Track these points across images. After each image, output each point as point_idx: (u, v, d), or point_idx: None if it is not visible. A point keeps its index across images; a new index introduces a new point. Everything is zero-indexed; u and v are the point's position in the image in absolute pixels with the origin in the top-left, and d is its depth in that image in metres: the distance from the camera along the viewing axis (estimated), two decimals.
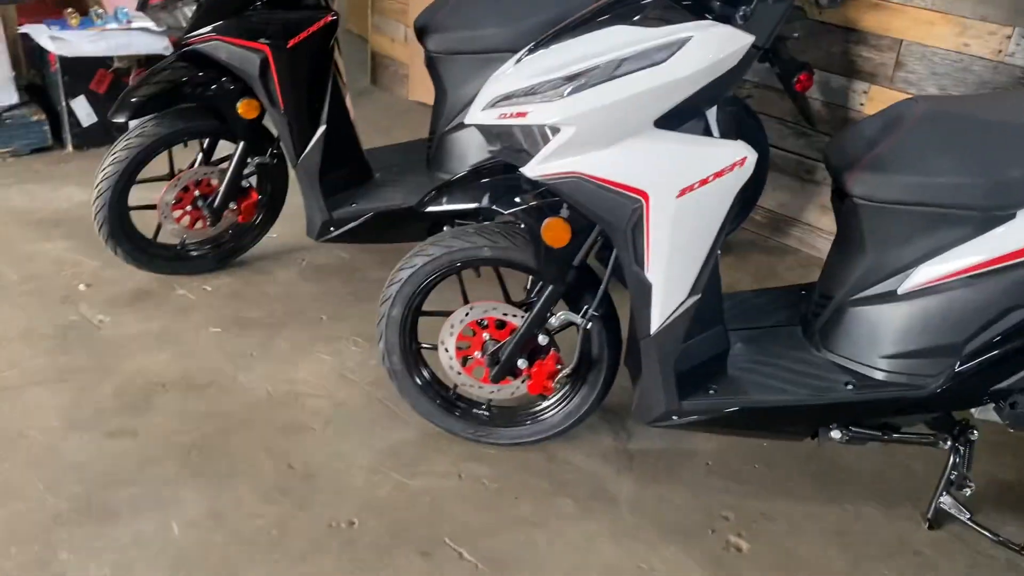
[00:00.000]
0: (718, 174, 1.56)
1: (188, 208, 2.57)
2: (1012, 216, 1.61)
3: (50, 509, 1.85)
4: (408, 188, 2.52)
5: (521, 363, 1.93)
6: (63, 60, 3.34)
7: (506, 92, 1.62)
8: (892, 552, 1.89)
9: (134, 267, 2.63)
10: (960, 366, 1.71)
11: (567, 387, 2.02)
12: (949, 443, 1.84)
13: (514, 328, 1.92)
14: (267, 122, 2.51)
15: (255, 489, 1.95)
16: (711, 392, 1.82)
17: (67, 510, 1.85)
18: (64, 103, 3.43)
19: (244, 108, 2.38)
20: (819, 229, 3.08)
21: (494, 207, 1.78)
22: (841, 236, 1.83)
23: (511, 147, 1.67)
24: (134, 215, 2.56)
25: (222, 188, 2.53)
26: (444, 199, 1.86)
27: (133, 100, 2.33)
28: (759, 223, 3.24)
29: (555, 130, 1.55)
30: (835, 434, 1.83)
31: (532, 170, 1.62)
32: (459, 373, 2.00)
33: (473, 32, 2.36)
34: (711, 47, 1.47)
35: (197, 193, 2.55)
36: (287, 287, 2.72)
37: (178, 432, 2.10)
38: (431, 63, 2.50)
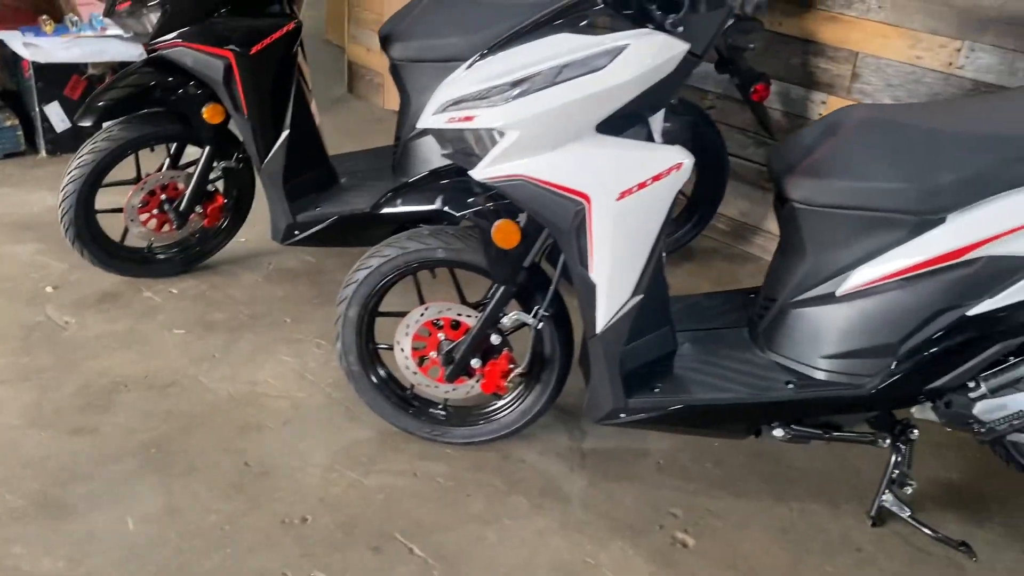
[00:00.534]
0: (656, 177, 1.61)
1: (154, 212, 2.60)
2: (943, 220, 1.67)
3: (5, 504, 1.88)
4: (372, 193, 2.55)
5: (475, 363, 1.97)
6: (37, 66, 3.37)
7: (455, 97, 1.66)
8: (834, 549, 1.94)
9: (101, 270, 2.66)
10: (896, 366, 1.76)
11: (521, 386, 2.07)
12: (889, 442, 1.89)
13: (468, 328, 1.97)
14: (233, 127, 2.55)
15: (211, 486, 1.98)
16: (656, 390, 1.87)
17: (23, 505, 1.88)
18: (38, 109, 3.46)
19: (209, 113, 2.42)
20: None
21: (446, 209, 1.82)
22: (783, 240, 1.88)
23: (462, 151, 1.71)
24: (101, 218, 2.59)
25: (188, 192, 2.57)
26: (399, 201, 1.91)
27: (100, 104, 2.37)
28: (721, 231, 3.30)
29: (500, 134, 1.60)
30: (777, 432, 1.88)
31: (479, 173, 1.66)
32: (415, 373, 2.04)
33: (435, 41, 2.41)
34: (647, 54, 1.53)
35: (163, 197, 2.59)
36: (253, 290, 2.76)
37: (138, 430, 2.13)
38: (395, 71, 2.55)
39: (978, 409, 1.79)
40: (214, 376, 2.35)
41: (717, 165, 2.85)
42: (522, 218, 1.79)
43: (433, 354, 2.02)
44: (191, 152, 2.63)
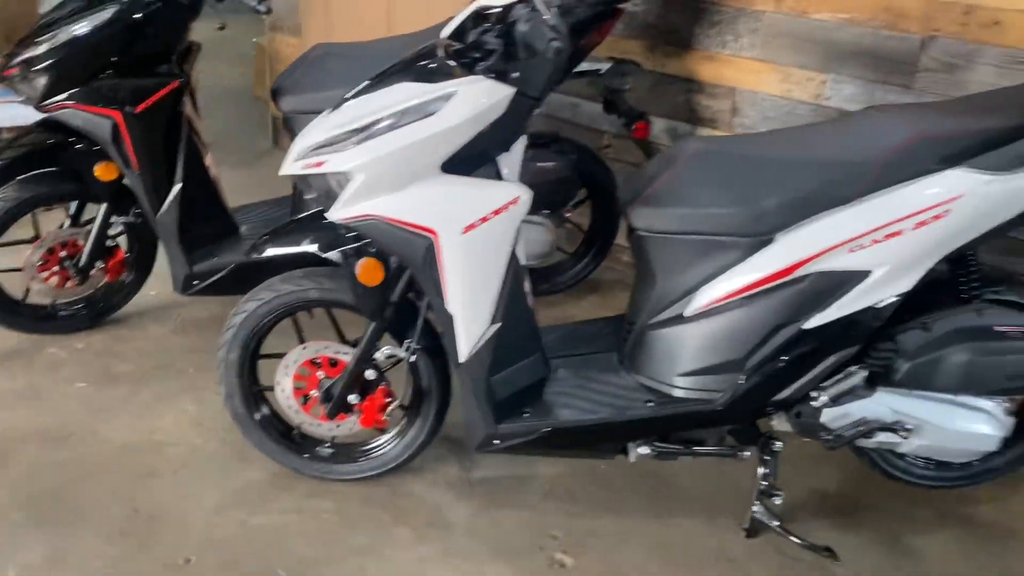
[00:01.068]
0: (497, 211, 1.72)
1: (55, 269, 2.65)
2: (772, 240, 1.79)
3: None
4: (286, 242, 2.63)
5: (353, 399, 2.04)
6: None
7: (309, 144, 1.76)
8: (709, 561, 2.02)
9: (4, 328, 2.69)
10: (743, 380, 1.86)
11: (403, 420, 2.13)
12: (752, 454, 1.98)
13: (346, 365, 2.04)
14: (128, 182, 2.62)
15: (98, 533, 2.01)
16: (526, 415, 1.95)
17: None
18: None
19: (102, 171, 2.50)
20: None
21: (313, 251, 1.90)
22: (637, 266, 1.99)
23: (324, 194, 1.81)
24: (2, 277, 2.64)
25: (87, 248, 2.63)
26: (270, 246, 1.99)
27: None
28: (626, 263, 3.41)
29: (349, 177, 1.70)
30: (642, 450, 1.96)
31: (335, 214, 1.76)
32: (298, 412, 2.10)
33: (320, 93, 2.51)
34: (474, 99, 1.64)
35: (63, 254, 2.64)
36: (159, 342, 2.80)
37: (30, 483, 2.16)
38: (287, 123, 2.65)
39: (825, 418, 1.90)
40: (113, 427, 2.38)
41: (607, 199, 2.97)
42: (384, 256, 1.87)
43: (315, 392, 2.08)
44: (95, 209, 2.70)
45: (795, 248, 1.77)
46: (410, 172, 1.69)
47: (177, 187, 2.51)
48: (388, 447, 2.15)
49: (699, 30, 3.01)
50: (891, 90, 2.64)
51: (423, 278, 1.78)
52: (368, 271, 1.86)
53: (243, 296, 2.05)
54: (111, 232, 2.68)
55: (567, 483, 2.23)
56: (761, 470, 2.01)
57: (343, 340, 2.10)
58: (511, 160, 1.86)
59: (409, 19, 3.27)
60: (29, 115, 3.41)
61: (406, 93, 1.69)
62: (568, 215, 2.94)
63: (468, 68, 1.66)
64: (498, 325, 1.83)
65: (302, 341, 2.10)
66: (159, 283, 2.90)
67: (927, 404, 1.89)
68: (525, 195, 1.74)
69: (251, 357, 2.08)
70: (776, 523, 2.00)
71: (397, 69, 1.77)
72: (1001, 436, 1.91)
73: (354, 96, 1.79)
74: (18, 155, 2.47)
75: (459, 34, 1.68)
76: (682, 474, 2.27)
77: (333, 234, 1.91)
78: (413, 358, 1.98)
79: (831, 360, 1.83)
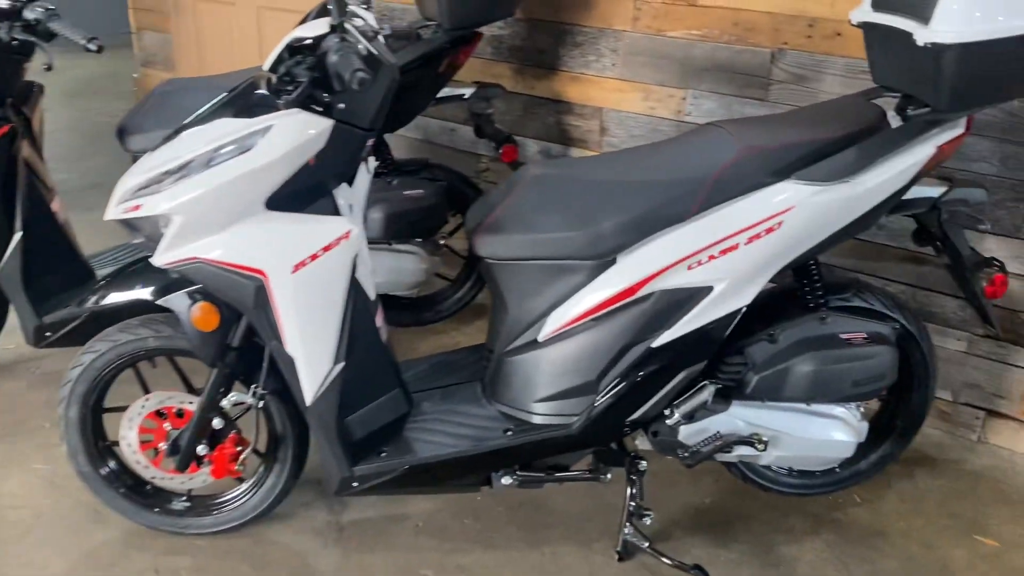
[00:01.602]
0: (326, 248, 1.66)
1: None
2: (613, 261, 1.77)
3: None
4: (125, 288, 2.52)
5: (202, 449, 1.95)
6: None
7: (130, 187, 1.68)
8: None
9: None
10: (597, 403, 1.84)
11: (261, 467, 2.05)
12: (611, 476, 1.96)
13: (192, 415, 1.94)
14: None
15: None
16: (383, 455, 1.89)
17: None
18: None
19: None
20: None
21: (146, 298, 1.81)
22: (491, 293, 1.95)
23: (148, 238, 1.72)
24: None
25: None
26: (107, 294, 1.89)
27: None
28: None
29: (167, 220, 1.62)
30: (505, 480, 1.92)
31: (158, 259, 1.67)
32: (147, 467, 2.00)
33: (164, 131, 2.42)
34: (289, 133, 1.59)
35: None
36: (13, 398, 2.65)
37: None
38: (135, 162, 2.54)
39: (682, 435, 1.89)
40: None
41: None
42: (219, 299, 1.80)
43: (163, 445, 1.98)
44: None
45: (636, 268, 1.76)
46: (232, 211, 1.62)
47: (18, 236, 2.38)
48: (247, 497, 2.06)
49: (563, 51, 3.02)
50: (747, 103, 2.69)
51: (258, 321, 1.71)
52: (202, 316, 1.78)
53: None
54: None
55: (441, 519, 2.18)
56: (629, 491, 1.99)
57: (189, 389, 2.01)
58: (353, 193, 1.81)
59: None
60: None
61: (224, 129, 1.62)
62: (444, 242, 2.90)
63: (287, 101, 1.61)
64: (342, 365, 1.77)
65: (146, 392, 2.00)
66: (15, 336, 2.75)
67: (781, 415, 1.90)
68: (356, 229, 1.69)
69: (93, 411, 1.97)
70: (646, 544, 1.98)
71: (219, 104, 1.70)
72: (856, 442, 1.93)
73: (175, 134, 1.71)
74: None
75: (276, 66, 1.63)
76: (557, 499, 2.23)
77: (166, 279, 1.83)
78: (262, 403, 1.90)
79: (681, 376, 1.83)
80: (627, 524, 2.00)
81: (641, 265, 1.76)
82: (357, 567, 2.02)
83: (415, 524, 2.16)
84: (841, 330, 1.85)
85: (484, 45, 3.19)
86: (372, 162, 1.95)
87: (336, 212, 1.73)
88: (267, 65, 1.69)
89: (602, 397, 1.83)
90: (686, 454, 1.87)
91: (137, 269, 1.91)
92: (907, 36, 1.69)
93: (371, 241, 2.61)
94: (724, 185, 1.73)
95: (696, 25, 2.72)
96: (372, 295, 1.87)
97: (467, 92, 2.78)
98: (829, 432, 1.91)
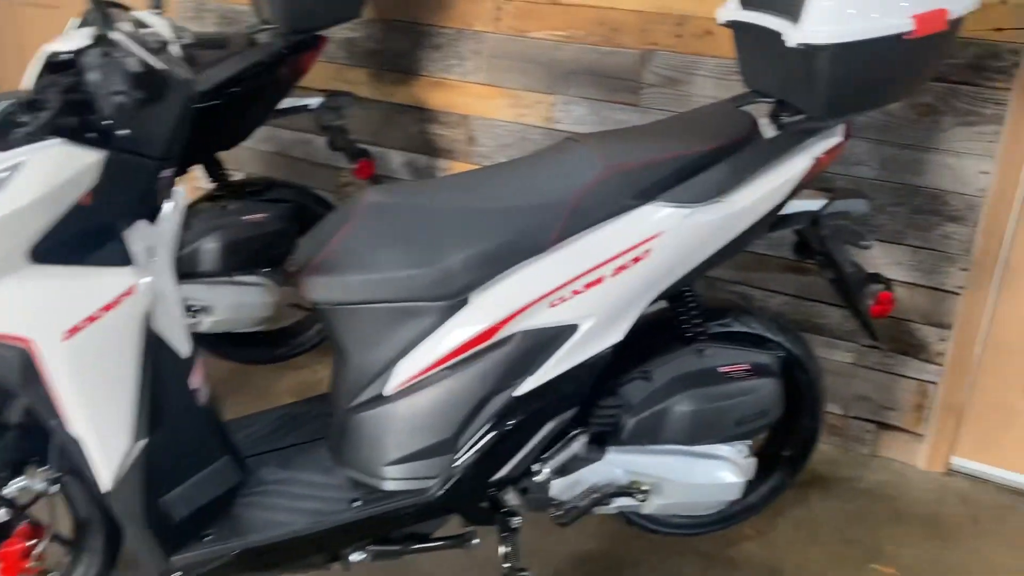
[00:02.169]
0: (107, 307, 1.36)
1: None
2: (466, 302, 1.55)
3: None
4: None
5: None
6: None
7: None
8: None
9: None
10: (457, 463, 1.61)
11: (68, 558, 1.73)
12: (478, 541, 1.73)
13: None
14: None
15: None
16: (207, 539, 1.60)
17: None
18: None
19: None
20: None
21: None
22: (331, 341, 1.69)
23: None
24: None
25: None
26: None
27: None
28: None
29: None
30: (356, 556, 1.67)
31: None
32: None
33: None
34: (46, 169, 1.28)
35: None
36: None
37: None
38: None
39: (555, 490, 1.68)
40: None
41: None
42: None
43: None
44: None
45: (492, 308, 1.53)
46: None
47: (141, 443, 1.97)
48: None
49: (422, 55, 2.77)
50: (618, 109, 2.50)
51: (30, 397, 1.40)
52: None
53: None
54: None
55: None
56: (502, 549, 1.76)
57: None
58: (156, 232, 1.51)
59: None
60: None
61: None
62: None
63: (34, 130, 1.30)
64: (144, 441, 1.48)
65: None
66: None
67: (662, 459, 1.71)
68: (143, 281, 1.40)
69: None
70: None
71: None
72: (743, 482, 1.76)
73: None
74: None
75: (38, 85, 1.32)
76: (425, 561, 1.99)
77: None
78: (56, 487, 1.59)
79: (550, 427, 1.61)
80: None
81: (497, 304, 1.53)
82: None
83: None
84: (720, 363, 1.67)
85: (335, 49, 2.91)
86: (180, 194, 1.66)
87: (126, 260, 1.43)
88: (27, 83, 1.38)
89: (461, 457, 1.60)
90: (559, 512, 1.66)
91: None
92: (777, 37, 1.52)
93: (209, 274, 2.31)
94: (584, 211, 1.52)
95: (561, 25, 2.51)
96: (185, 352, 1.58)
97: (313, 102, 2.50)
98: (715, 474, 1.73)
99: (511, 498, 1.74)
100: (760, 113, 1.70)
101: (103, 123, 1.33)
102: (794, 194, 1.66)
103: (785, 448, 1.99)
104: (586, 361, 1.58)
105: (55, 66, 1.32)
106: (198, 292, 2.32)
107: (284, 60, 2.36)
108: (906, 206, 2.22)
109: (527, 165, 1.61)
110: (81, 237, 1.38)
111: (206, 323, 2.37)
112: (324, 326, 1.64)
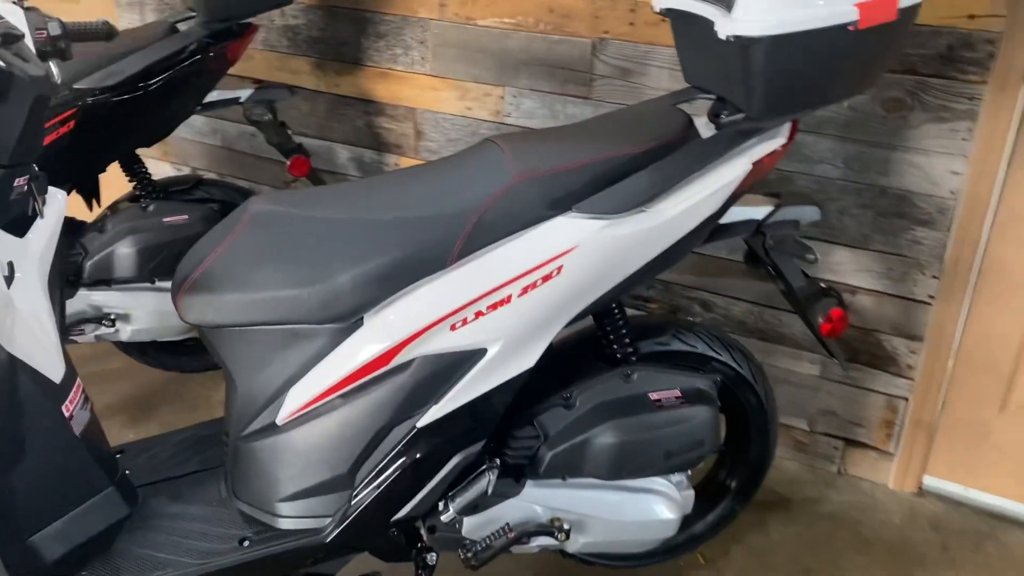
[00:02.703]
0: None
1: None
2: (360, 323, 1.39)
3: None
4: None
5: None
6: None
7: None
8: None
9: None
10: (353, 500, 1.45)
11: None
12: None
13: None
14: None
15: None
16: None
17: None
18: None
19: None
20: None
21: None
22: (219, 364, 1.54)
23: None
24: None
25: None
26: None
27: None
28: None
29: None
30: None
31: None
32: None
33: None
34: None
35: None
36: None
37: None
38: None
39: (466, 528, 1.53)
40: None
41: None
42: None
43: None
44: None
45: (389, 330, 1.37)
46: None
47: None
48: None
49: (367, 43, 2.60)
50: (570, 102, 2.33)
51: None
52: None
53: None
54: None
55: None
56: None
57: None
58: (15, 248, 1.36)
59: None
60: None
61: None
62: None
63: None
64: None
65: None
66: None
67: (586, 494, 1.56)
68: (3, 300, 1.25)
69: None
70: None
71: None
72: (679, 518, 1.60)
73: None
74: None
75: None
76: None
77: None
78: None
79: (457, 460, 1.46)
80: None
81: (394, 327, 1.37)
82: None
83: None
84: (650, 388, 1.51)
85: (278, 37, 2.74)
86: (60, 198, 1.50)
87: None
88: None
89: (359, 493, 1.45)
90: (469, 554, 1.50)
91: None
92: (712, 27, 1.35)
93: (128, 280, 2.16)
94: (490, 223, 1.35)
95: (508, 12, 2.34)
96: (57, 376, 1.43)
97: (244, 94, 2.34)
98: (646, 510, 1.57)
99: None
100: (700, 111, 1.54)
101: None
102: (734, 201, 1.49)
103: (733, 476, 1.83)
104: (495, 389, 1.42)
105: None
106: (114, 299, 2.17)
107: (208, 50, 2.20)
108: (872, 208, 2.05)
109: (437, 171, 1.45)
110: None
111: (126, 332, 2.22)
112: (208, 349, 1.48)
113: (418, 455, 1.44)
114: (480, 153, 1.44)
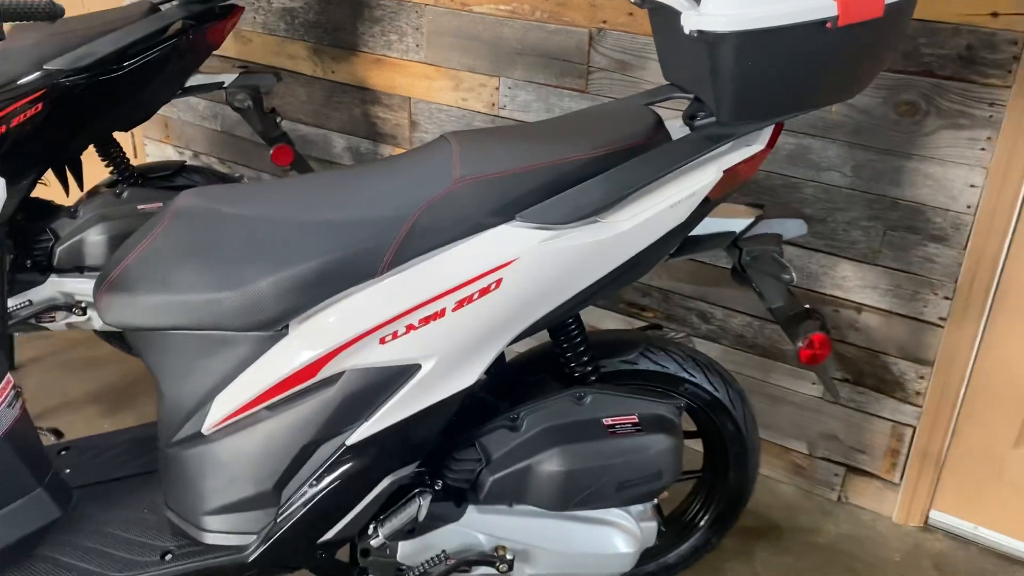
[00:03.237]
0: None
1: None
2: (286, 331, 1.29)
3: None
4: None
5: None
6: None
7: None
8: None
9: None
10: (279, 518, 1.36)
11: None
12: None
13: None
14: None
15: None
16: None
17: None
18: None
19: None
20: None
21: None
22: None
23: None
24: None
25: None
26: None
27: None
28: None
29: None
30: None
31: None
32: None
33: None
34: None
35: None
36: None
37: None
38: None
39: (402, 553, 1.42)
40: None
41: None
42: None
43: None
44: None
45: (314, 340, 1.27)
46: None
47: None
48: None
49: (362, 28, 2.50)
50: (566, 95, 2.21)
51: None
52: None
53: None
54: None
55: None
56: None
57: None
58: None
59: None
60: None
61: None
62: None
63: None
64: None
65: None
66: None
67: (533, 523, 1.44)
68: None
69: None
70: None
71: None
72: (636, 551, 1.48)
73: None
74: None
75: None
76: None
77: None
78: None
79: (388, 481, 1.36)
80: None
81: (320, 337, 1.27)
82: None
83: None
84: (604, 412, 1.39)
85: (276, 20, 2.66)
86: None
87: None
88: None
89: (284, 511, 1.36)
90: None
91: None
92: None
93: (99, 268, 2.10)
94: (426, 229, 1.24)
95: None
96: None
97: (227, 79, 2.26)
98: (600, 542, 1.45)
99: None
100: (674, 113, 1.41)
101: None
102: (706, 211, 1.36)
103: (709, 505, 1.70)
104: (431, 408, 1.31)
105: None
106: (85, 287, 2.11)
107: (188, 31, 2.12)
108: (882, 221, 1.89)
109: (381, 170, 1.34)
110: None
111: (97, 320, 2.17)
112: (133, 350, 1.41)
113: (346, 474, 1.34)
114: (429, 152, 1.33)
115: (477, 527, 1.42)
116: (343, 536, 1.38)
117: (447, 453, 1.40)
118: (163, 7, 2.14)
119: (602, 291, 1.33)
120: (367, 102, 2.58)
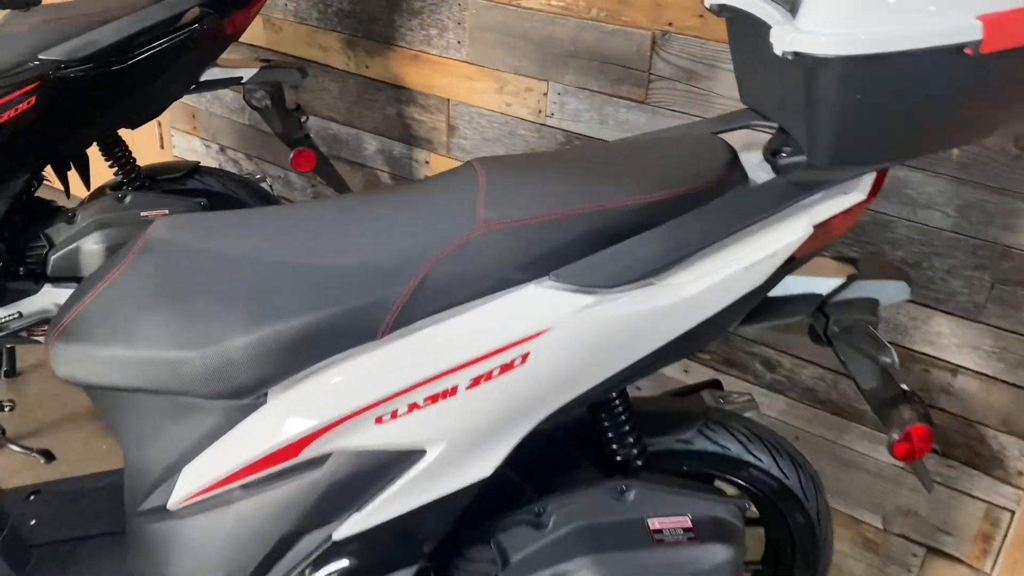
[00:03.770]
0: None
1: None
2: (263, 401, 1.06)
3: None
4: None
5: None
6: None
7: None
8: None
9: None
10: None
11: None
12: None
13: None
14: None
15: None
16: None
17: None
18: None
19: None
20: None
21: None
22: None
23: None
24: None
25: None
26: None
27: None
28: None
29: None
30: None
31: None
32: None
33: None
34: None
35: None
36: None
37: None
38: None
39: None
40: None
41: None
42: None
43: None
44: None
45: (297, 414, 1.05)
46: None
47: None
48: None
49: (400, 21, 2.27)
50: (623, 105, 1.94)
51: None
52: None
53: None
54: None
55: None
56: None
57: None
58: None
59: None
60: None
61: None
62: None
63: None
64: None
65: None
66: None
67: None
68: None
69: None
70: None
71: None
72: None
73: None
74: None
75: None
76: None
77: None
78: None
79: None
80: None
81: (305, 410, 1.04)
82: None
83: None
84: (650, 512, 1.14)
85: (308, 8, 2.44)
86: None
87: None
88: None
89: None
90: None
91: None
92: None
93: None
94: (438, 285, 1.00)
95: None
96: None
97: (247, 74, 2.04)
98: None
99: None
100: (753, 145, 1.14)
101: None
102: (788, 270, 1.10)
103: None
104: (436, 502, 1.08)
105: None
106: None
107: (204, 20, 1.90)
108: (990, 271, 1.60)
109: (393, 202, 1.10)
110: None
111: None
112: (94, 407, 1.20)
113: (335, 570, 1.11)
114: (450, 184, 1.09)
115: None
116: None
117: (456, 548, 1.17)
118: None
119: (653, 367, 1.08)
120: (402, 102, 2.35)
